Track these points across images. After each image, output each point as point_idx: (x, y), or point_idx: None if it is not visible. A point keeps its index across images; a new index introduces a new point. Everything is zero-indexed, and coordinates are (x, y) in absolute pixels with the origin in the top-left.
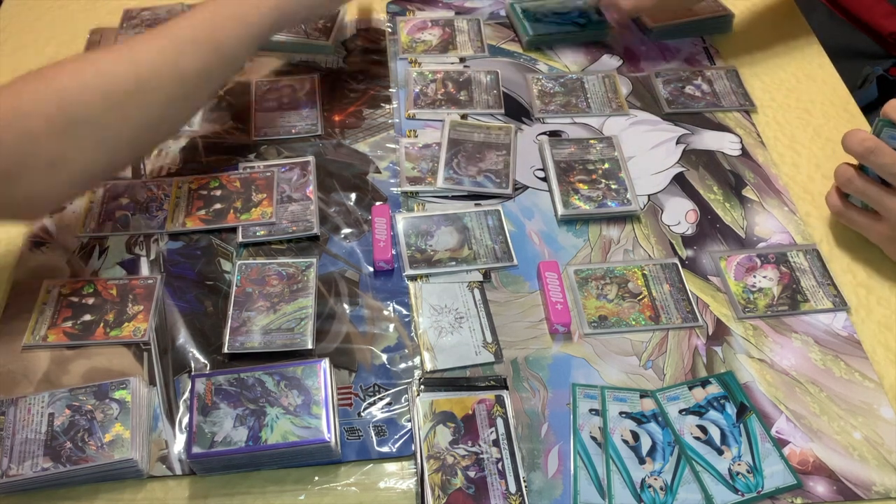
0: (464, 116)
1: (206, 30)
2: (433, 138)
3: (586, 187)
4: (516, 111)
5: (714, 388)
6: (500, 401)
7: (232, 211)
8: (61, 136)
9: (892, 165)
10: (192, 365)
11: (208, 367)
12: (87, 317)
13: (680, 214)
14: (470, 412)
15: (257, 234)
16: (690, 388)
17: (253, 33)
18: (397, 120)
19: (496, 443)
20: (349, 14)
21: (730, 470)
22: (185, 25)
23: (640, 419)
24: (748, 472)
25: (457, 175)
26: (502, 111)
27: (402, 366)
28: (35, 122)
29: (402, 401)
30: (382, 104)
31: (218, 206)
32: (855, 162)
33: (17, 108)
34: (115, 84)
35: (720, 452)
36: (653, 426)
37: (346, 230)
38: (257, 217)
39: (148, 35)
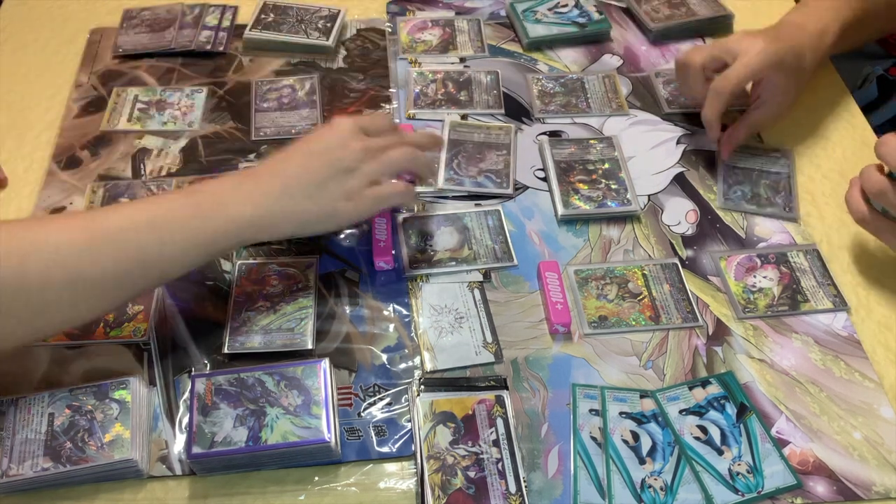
0: (464, 117)
1: (132, 236)
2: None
3: (586, 187)
4: (516, 111)
5: (714, 389)
6: (500, 401)
7: (102, 325)
8: None
9: None
10: (192, 365)
11: (208, 367)
12: None
13: (680, 214)
14: (470, 412)
15: None
16: (690, 389)
17: (205, 250)
18: (397, 120)
19: (496, 443)
20: (349, 14)
21: (730, 470)
22: (112, 223)
23: (640, 419)
24: (748, 472)
25: (457, 175)
26: (502, 111)
27: (402, 366)
28: None
29: (402, 401)
30: (382, 104)
31: None
32: (877, 163)
33: None
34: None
35: (720, 452)
36: (653, 426)
37: (346, 230)
38: (128, 334)
39: (64, 221)
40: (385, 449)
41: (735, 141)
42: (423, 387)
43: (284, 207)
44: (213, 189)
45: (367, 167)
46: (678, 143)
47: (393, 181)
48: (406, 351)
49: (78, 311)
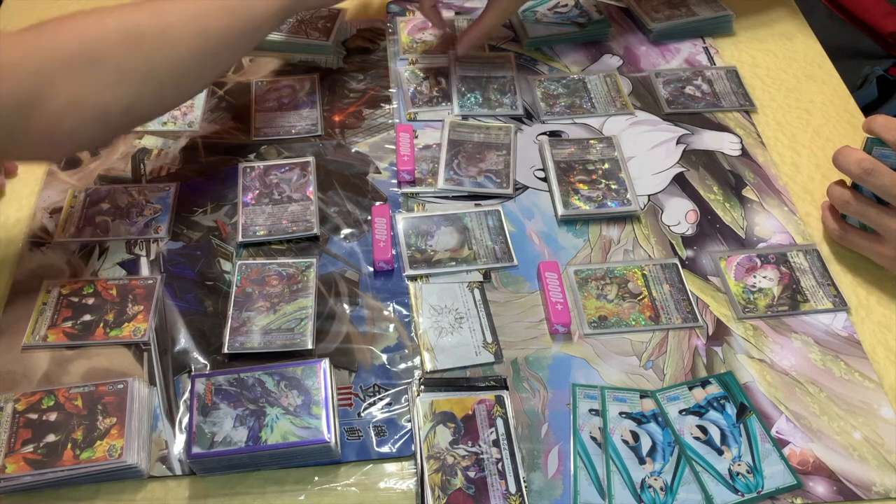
0: (465, 115)
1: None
2: (433, 139)
3: (586, 187)
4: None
5: (714, 389)
6: (500, 401)
7: (102, 325)
8: (80, 73)
9: (892, 186)
10: (192, 365)
11: (208, 368)
12: (87, 317)
13: (680, 214)
14: (470, 412)
15: (257, 233)
16: (690, 389)
17: (281, 6)
18: (397, 120)
19: (496, 443)
20: (349, 14)
21: (730, 470)
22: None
23: (640, 419)
24: (748, 472)
25: (457, 176)
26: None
27: (402, 366)
28: (55, 56)
29: (402, 401)
30: (382, 104)
31: (87, 317)
32: (845, 178)
33: (39, 43)
34: (138, 29)
35: (720, 453)
36: (653, 426)
37: (346, 230)
38: (128, 334)
39: None
40: (385, 449)
41: (469, 41)
42: (423, 387)
43: None
44: None
45: None
46: (678, 143)
47: None
48: (406, 351)
49: (211, 63)
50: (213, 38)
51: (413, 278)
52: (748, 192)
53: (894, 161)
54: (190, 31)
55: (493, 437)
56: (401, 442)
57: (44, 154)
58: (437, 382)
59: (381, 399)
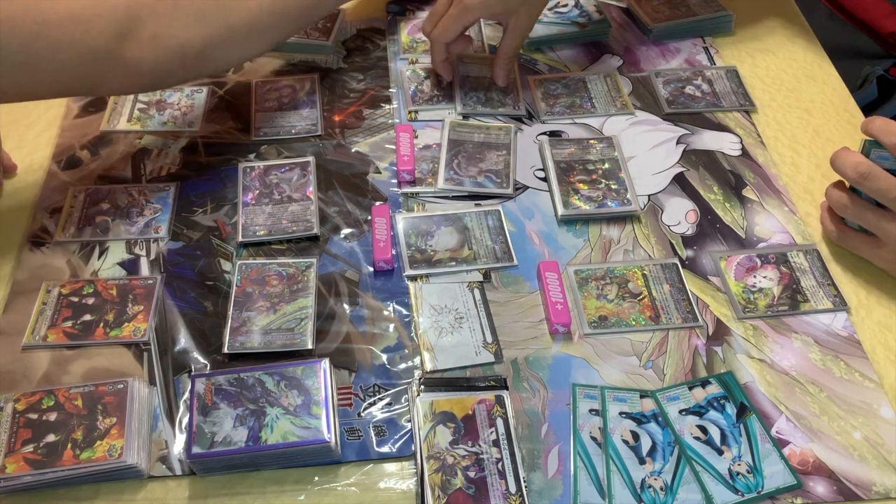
0: (465, 115)
1: None
2: (433, 139)
3: (586, 187)
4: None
5: (714, 389)
6: (500, 401)
7: (102, 325)
8: (164, 11)
9: (889, 190)
10: (192, 365)
11: (208, 367)
12: (87, 317)
13: (680, 214)
14: (470, 412)
15: (257, 233)
16: (690, 389)
17: None
18: (397, 120)
19: (496, 443)
20: (349, 14)
21: (730, 470)
22: None
23: (640, 419)
24: (748, 472)
25: (457, 176)
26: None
27: (402, 366)
28: None
29: (402, 401)
30: (382, 104)
31: (87, 317)
32: (840, 179)
33: None
34: None
35: (720, 452)
36: (653, 426)
37: (346, 230)
38: (128, 334)
39: None
40: (385, 449)
41: (503, 70)
42: (423, 387)
43: None
44: None
45: None
46: (678, 143)
47: None
48: (406, 351)
49: (278, 24)
50: (284, 1)
51: (413, 278)
52: (748, 192)
53: (892, 163)
54: None
55: (493, 437)
56: (401, 442)
57: (128, 84)
58: (437, 382)
59: (381, 399)
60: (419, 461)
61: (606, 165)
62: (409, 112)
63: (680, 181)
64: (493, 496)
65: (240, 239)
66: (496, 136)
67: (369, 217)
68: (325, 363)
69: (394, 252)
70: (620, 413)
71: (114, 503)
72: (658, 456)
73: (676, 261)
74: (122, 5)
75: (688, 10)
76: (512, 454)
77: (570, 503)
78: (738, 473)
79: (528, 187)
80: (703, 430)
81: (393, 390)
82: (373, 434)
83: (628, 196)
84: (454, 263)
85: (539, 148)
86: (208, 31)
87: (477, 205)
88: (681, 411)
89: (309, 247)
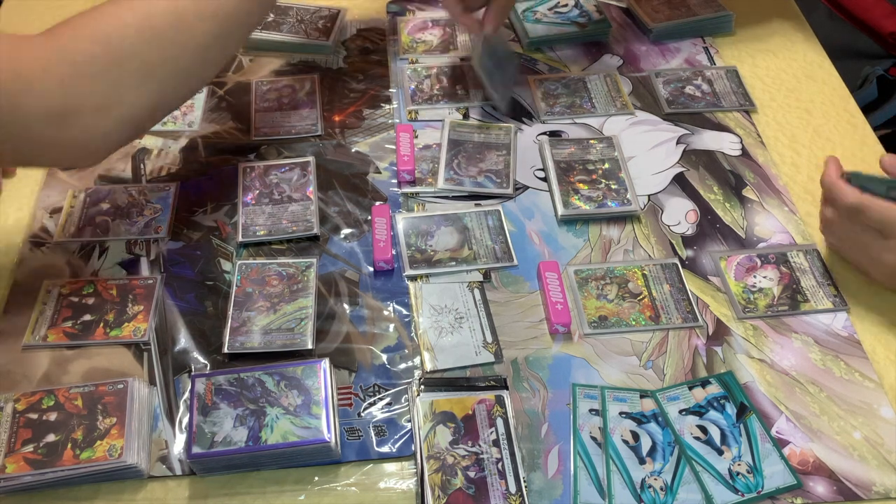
0: (465, 115)
1: None
2: (433, 139)
3: (586, 187)
4: (517, 111)
5: (714, 389)
6: (500, 401)
7: (102, 325)
8: (106, 76)
9: (885, 217)
10: (192, 365)
11: (208, 367)
12: (87, 317)
13: (680, 214)
14: (470, 412)
15: (257, 233)
16: (690, 389)
17: None
18: (397, 120)
19: (496, 443)
20: (349, 14)
21: (730, 470)
22: None
23: (640, 419)
24: (748, 472)
25: (457, 176)
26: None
27: (402, 366)
28: (79, 62)
29: (402, 401)
30: (382, 104)
31: (87, 317)
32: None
33: (60, 49)
34: (153, 21)
35: (720, 452)
36: (653, 426)
37: (346, 230)
38: (128, 334)
39: None
40: (385, 449)
41: (494, 20)
42: (423, 387)
43: None
44: None
45: None
46: (678, 143)
47: None
48: (406, 351)
49: (226, 43)
50: (225, 18)
51: (413, 278)
52: (748, 192)
53: (876, 186)
54: (207, 15)
55: (493, 437)
56: (401, 442)
57: (77, 160)
58: (437, 382)
59: (381, 399)
60: (419, 461)
61: (606, 165)
62: (409, 112)
63: (680, 181)
64: (493, 496)
65: (240, 239)
66: (496, 136)
67: (369, 217)
68: (325, 363)
69: (394, 252)
70: (620, 413)
71: (114, 503)
72: (658, 456)
73: (676, 261)
74: (57, 79)
75: (688, 10)
76: (512, 454)
77: (570, 503)
78: (738, 473)
79: (528, 187)
80: (703, 430)
81: (393, 390)
82: (373, 434)
83: (628, 196)
84: (454, 263)
85: (539, 148)
86: (157, 86)
87: (477, 205)
88: (681, 411)
89: (309, 247)
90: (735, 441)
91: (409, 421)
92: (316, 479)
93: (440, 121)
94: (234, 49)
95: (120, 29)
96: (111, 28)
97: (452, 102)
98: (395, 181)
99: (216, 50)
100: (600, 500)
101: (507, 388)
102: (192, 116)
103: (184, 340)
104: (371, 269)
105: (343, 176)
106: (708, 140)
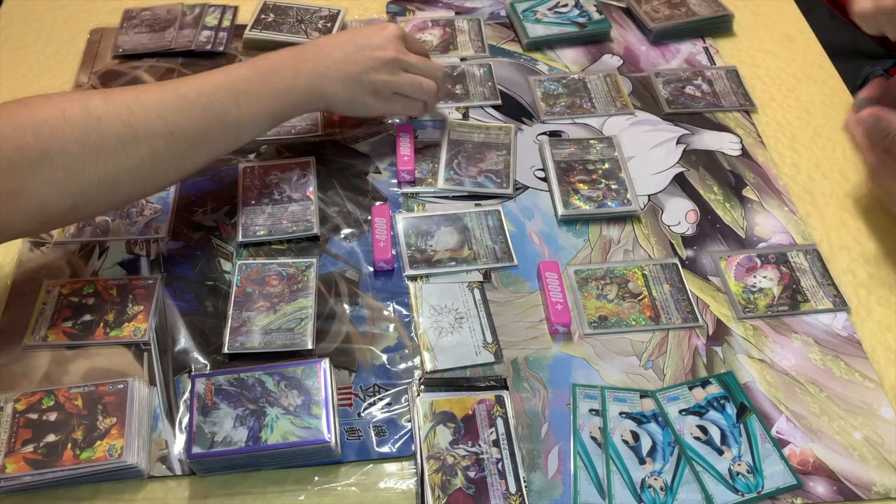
0: (465, 115)
1: (215, 99)
2: (433, 139)
3: (586, 187)
4: (517, 111)
5: (714, 389)
6: (500, 401)
7: (102, 325)
8: (27, 168)
9: None
10: (192, 365)
11: (208, 368)
12: (87, 317)
13: (680, 214)
14: (470, 412)
15: (257, 233)
16: (690, 389)
17: (270, 113)
18: (397, 120)
19: (496, 443)
20: (349, 14)
21: (730, 470)
22: (196, 87)
23: (640, 419)
24: (748, 472)
25: (457, 175)
26: (499, 101)
27: (402, 366)
28: (5, 147)
29: (402, 401)
30: None
31: (87, 317)
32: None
33: None
34: (99, 125)
35: (720, 452)
36: (653, 426)
37: (346, 230)
38: (128, 334)
39: (152, 85)
40: (385, 449)
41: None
42: (423, 387)
43: (325, 87)
44: (272, 62)
45: (396, 78)
46: (678, 143)
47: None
48: (406, 351)
49: (176, 165)
50: (184, 139)
51: (413, 278)
52: (748, 192)
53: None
54: (158, 130)
55: (493, 437)
56: (401, 442)
57: None
58: (437, 382)
59: (381, 399)
60: (419, 461)
61: (606, 165)
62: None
63: (680, 181)
64: (493, 496)
65: (240, 239)
66: (496, 136)
67: (369, 217)
68: (325, 363)
69: (394, 252)
70: (620, 413)
71: (114, 503)
72: (658, 456)
73: (676, 261)
74: None
75: (688, 10)
76: (512, 454)
77: (570, 503)
78: (738, 473)
79: (528, 187)
80: (704, 430)
81: (393, 390)
82: (373, 434)
83: (628, 196)
84: (454, 263)
85: (539, 148)
86: (81, 189)
87: (477, 205)
88: (681, 411)
89: (309, 247)
90: (735, 441)
91: (409, 421)
92: (316, 479)
93: (440, 121)
94: (189, 170)
95: (60, 124)
96: (51, 120)
97: (452, 102)
98: (395, 181)
99: (160, 170)
100: (600, 500)
101: (507, 388)
102: None
103: (184, 340)
104: (371, 269)
105: (343, 176)
106: (708, 140)
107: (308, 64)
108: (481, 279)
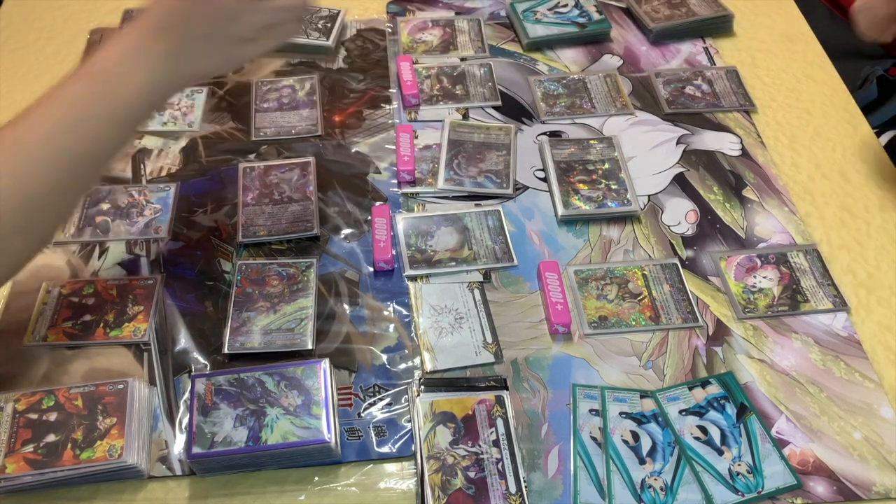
0: (465, 115)
1: (61, 140)
2: (433, 139)
3: (586, 187)
4: (517, 111)
5: (714, 389)
6: (500, 401)
7: (102, 325)
8: None
9: None
10: (192, 365)
11: (208, 368)
12: (87, 317)
13: (680, 215)
14: (470, 412)
15: (257, 233)
16: (690, 389)
17: (122, 121)
18: (397, 120)
19: (496, 443)
20: (349, 14)
21: (730, 470)
22: (38, 136)
23: (640, 419)
24: (748, 472)
25: (457, 176)
26: (499, 102)
27: (402, 366)
28: None
29: (402, 401)
30: (382, 104)
31: (87, 317)
32: None
33: None
34: None
35: (720, 453)
36: (653, 426)
37: (346, 230)
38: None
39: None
40: (385, 449)
41: None
42: (423, 387)
43: (179, 67)
44: (102, 66)
45: (252, 16)
46: (678, 143)
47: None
48: (406, 351)
49: (37, 232)
50: (40, 203)
51: (413, 278)
52: (748, 192)
53: None
54: (10, 209)
55: (493, 437)
56: (401, 442)
57: None
58: (437, 382)
59: (381, 399)
60: (419, 461)
61: (606, 165)
62: (409, 112)
63: (680, 181)
64: (493, 496)
65: (240, 239)
66: (496, 137)
67: (369, 217)
68: (325, 363)
69: (394, 252)
70: (620, 413)
71: (114, 503)
72: (658, 456)
73: (676, 261)
74: None
75: (688, 11)
76: (512, 454)
77: (570, 503)
78: (738, 473)
79: (528, 187)
80: (703, 430)
81: (393, 390)
82: (373, 434)
83: (628, 196)
84: (454, 263)
85: (539, 148)
86: None
87: (477, 205)
88: (681, 411)
89: (309, 247)
90: (735, 441)
91: (409, 421)
92: (316, 479)
93: (440, 121)
94: (55, 224)
95: None
96: None
97: (452, 102)
98: (395, 181)
99: (18, 242)
100: (600, 500)
101: (507, 388)
102: (192, 117)
103: (184, 340)
104: (371, 269)
105: (343, 176)
106: (708, 140)
107: (147, 52)
108: (481, 279)
